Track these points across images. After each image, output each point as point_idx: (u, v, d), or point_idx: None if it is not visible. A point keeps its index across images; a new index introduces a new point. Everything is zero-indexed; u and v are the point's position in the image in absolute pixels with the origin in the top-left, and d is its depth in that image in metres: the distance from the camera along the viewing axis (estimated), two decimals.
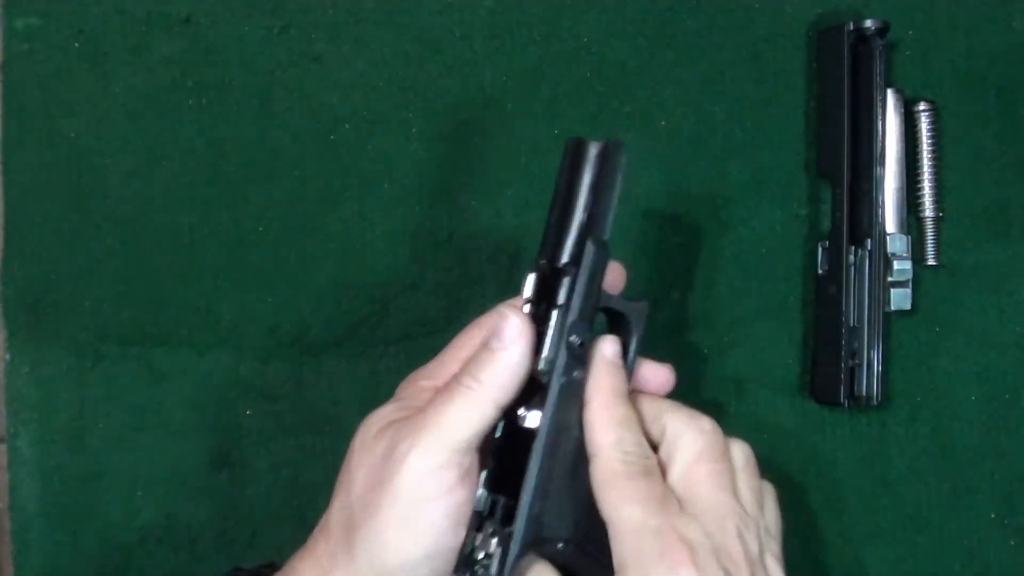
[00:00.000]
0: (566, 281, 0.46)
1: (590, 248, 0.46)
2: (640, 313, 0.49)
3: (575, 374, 0.46)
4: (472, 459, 0.47)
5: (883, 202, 0.62)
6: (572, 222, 0.47)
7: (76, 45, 0.63)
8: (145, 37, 0.63)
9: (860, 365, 0.61)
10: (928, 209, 0.63)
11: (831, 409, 0.63)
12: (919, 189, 0.63)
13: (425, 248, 0.63)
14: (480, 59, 0.64)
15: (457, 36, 0.64)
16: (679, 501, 0.45)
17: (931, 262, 0.63)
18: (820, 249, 0.63)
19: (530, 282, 0.47)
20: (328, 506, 0.49)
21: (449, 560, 0.46)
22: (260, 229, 0.61)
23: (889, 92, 0.62)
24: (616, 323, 0.49)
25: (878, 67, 0.62)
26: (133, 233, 0.63)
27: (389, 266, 0.63)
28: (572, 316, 0.46)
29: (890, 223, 0.62)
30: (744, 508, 0.46)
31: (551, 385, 0.45)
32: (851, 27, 0.62)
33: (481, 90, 0.63)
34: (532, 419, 0.46)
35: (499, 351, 0.46)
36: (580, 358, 0.46)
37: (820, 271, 0.63)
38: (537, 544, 0.45)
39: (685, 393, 0.63)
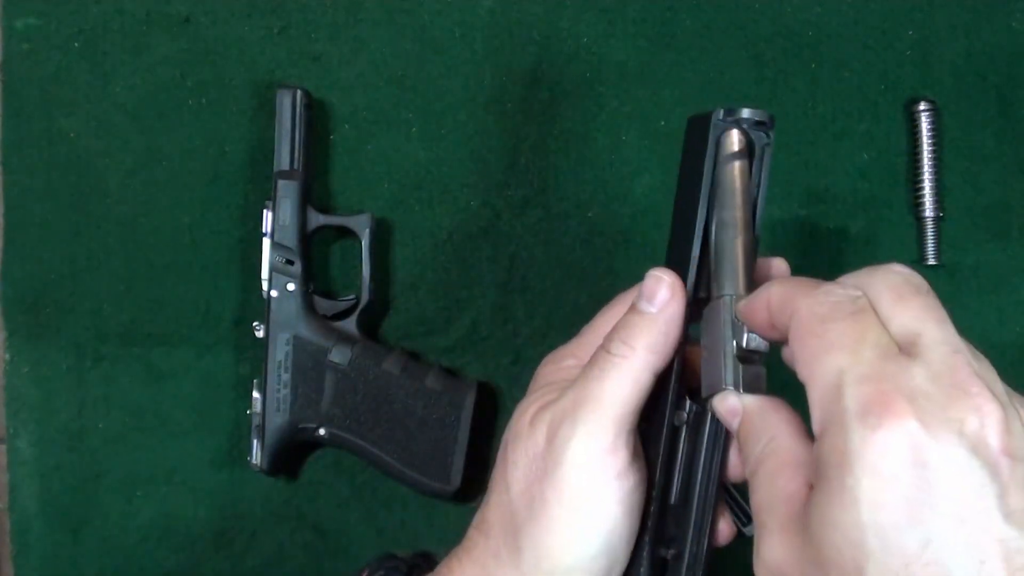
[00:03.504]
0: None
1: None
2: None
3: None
4: (637, 439, 0.43)
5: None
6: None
7: (76, 45, 0.63)
8: (145, 37, 0.63)
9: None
10: (928, 209, 0.63)
11: None
12: (919, 189, 0.63)
13: (425, 248, 0.63)
14: (480, 59, 0.64)
15: (457, 36, 0.64)
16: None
17: (931, 262, 0.63)
18: None
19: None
20: (484, 502, 0.45)
21: (624, 551, 0.43)
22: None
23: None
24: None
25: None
26: (133, 233, 0.63)
27: (389, 266, 0.63)
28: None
29: None
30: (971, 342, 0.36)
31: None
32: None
33: (481, 90, 0.63)
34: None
35: (652, 313, 0.43)
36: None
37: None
38: None
39: None
